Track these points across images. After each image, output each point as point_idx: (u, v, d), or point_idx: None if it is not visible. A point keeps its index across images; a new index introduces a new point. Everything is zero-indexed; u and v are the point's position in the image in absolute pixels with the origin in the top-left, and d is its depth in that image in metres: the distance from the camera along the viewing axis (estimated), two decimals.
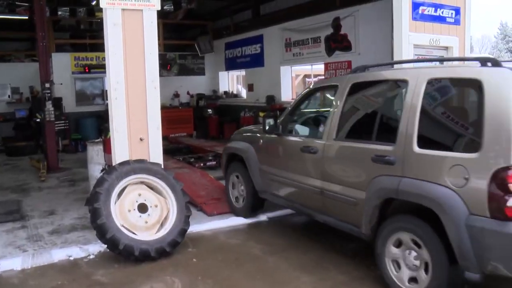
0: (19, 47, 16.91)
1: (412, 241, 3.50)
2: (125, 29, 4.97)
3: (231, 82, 16.43)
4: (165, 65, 14.92)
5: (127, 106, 5.02)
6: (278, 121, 5.20)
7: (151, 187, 4.95)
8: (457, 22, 7.35)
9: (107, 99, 7.79)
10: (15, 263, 4.57)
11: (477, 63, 3.38)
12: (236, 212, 5.95)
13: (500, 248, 2.97)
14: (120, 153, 5.01)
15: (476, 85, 3.21)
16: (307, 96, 5.19)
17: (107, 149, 5.51)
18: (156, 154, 5.20)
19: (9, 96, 14.21)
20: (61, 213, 6.38)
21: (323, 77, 11.08)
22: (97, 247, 4.88)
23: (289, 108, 5.25)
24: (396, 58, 6.59)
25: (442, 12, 7.15)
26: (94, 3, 11.67)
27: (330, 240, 4.98)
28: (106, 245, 4.61)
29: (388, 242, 3.69)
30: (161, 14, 7.87)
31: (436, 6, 7.03)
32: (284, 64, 12.62)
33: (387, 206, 3.77)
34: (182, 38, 17.56)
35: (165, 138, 7.99)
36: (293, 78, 13.25)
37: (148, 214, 4.78)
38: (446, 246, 3.23)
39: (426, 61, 5.23)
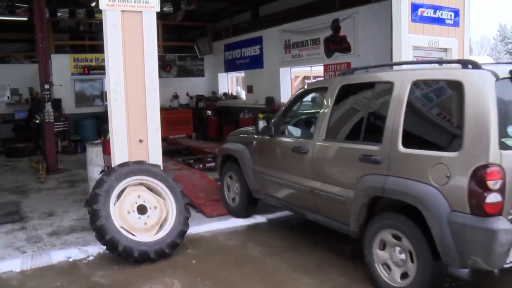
0: (19, 48, 16.93)
1: (396, 237, 3.62)
2: (125, 31, 4.98)
3: (231, 83, 16.43)
4: (164, 67, 14.92)
5: (126, 107, 5.02)
6: (271, 122, 5.32)
7: (151, 189, 4.95)
8: (456, 24, 7.37)
9: (106, 101, 7.78)
10: (14, 264, 4.57)
11: (459, 66, 3.52)
12: (231, 211, 6.07)
13: (479, 243, 3.10)
14: (120, 155, 5.01)
15: (457, 87, 3.34)
16: (299, 98, 5.32)
17: (107, 151, 5.52)
18: (155, 156, 5.20)
19: (8, 98, 14.20)
20: (60, 215, 6.38)
21: (322, 78, 11.08)
22: (96, 249, 4.88)
23: (281, 110, 5.39)
24: (395, 59, 6.61)
25: (441, 14, 7.17)
26: (93, 4, 11.67)
27: (329, 242, 4.98)
28: (105, 247, 4.61)
29: (374, 241, 3.79)
30: (160, 16, 7.86)
31: (435, 8, 7.05)
32: (284, 65, 12.63)
33: (375, 205, 3.88)
34: (182, 39, 17.59)
35: (164, 139, 8.00)
36: (292, 80, 13.25)
37: (148, 216, 4.78)
38: (430, 243, 3.34)
39: (408, 63, 5.37)
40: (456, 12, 7.34)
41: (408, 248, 3.51)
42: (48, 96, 9.61)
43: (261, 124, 5.37)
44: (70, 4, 12.94)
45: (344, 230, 4.21)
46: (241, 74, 15.39)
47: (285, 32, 12.26)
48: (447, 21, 7.26)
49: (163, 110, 8.44)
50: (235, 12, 15.15)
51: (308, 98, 5.65)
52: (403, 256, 3.59)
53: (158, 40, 5.67)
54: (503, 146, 3.08)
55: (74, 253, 4.83)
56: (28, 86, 14.01)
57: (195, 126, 14.98)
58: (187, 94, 16.01)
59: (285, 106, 5.40)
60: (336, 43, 10.61)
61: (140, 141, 5.10)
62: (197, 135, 14.76)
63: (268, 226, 5.78)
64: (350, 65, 10.03)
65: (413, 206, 3.43)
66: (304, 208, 4.77)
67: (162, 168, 5.17)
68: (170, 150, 11.43)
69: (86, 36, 16.18)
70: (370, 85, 4.30)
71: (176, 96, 15.80)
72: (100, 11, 4.99)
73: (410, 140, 3.57)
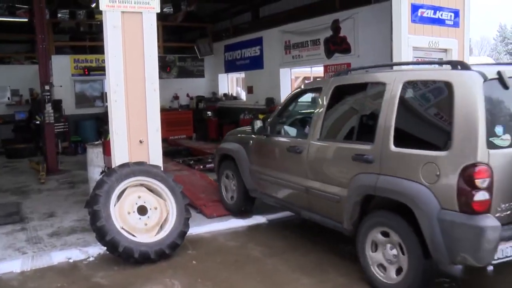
0: (19, 49, 16.94)
1: (385, 234, 3.69)
2: (125, 32, 4.98)
3: (231, 84, 16.44)
4: (164, 67, 14.92)
5: (126, 108, 5.03)
6: (266, 122, 5.39)
7: (151, 190, 4.96)
8: (456, 24, 7.37)
9: (106, 101, 7.80)
10: (14, 265, 4.57)
11: (449, 67, 3.58)
12: (228, 209, 6.15)
13: (468, 240, 3.16)
14: (120, 155, 5.01)
15: (447, 87, 3.40)
16: (294, 98, 5.38)
17: (107, 151, 5.52)
18: (155, 156, 5.20)
19: (8, 98, 14.22)
20: (60, 215, 6.38)
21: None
22: (96, 249, 4.88)
23: (277, 110, 5.44)
24: (395, 60, 6.62)
25: (441, 15, 7.18)
26: (94, 5, 11.65)
27: (329, 242, 4.99)
28: (105, 247, 4.61)
29: (367, 242, 3.86)
30: (160, 17, 7.88)
31: (435, 9, 7.06)
32: (284, 66, 12.63)
33: (368, 203, 3.94)
34: (182, 40, 17.59)
35: (164, 140, 7.99)
36: (292, 80, 13.25)
37: (148, 217, 4.79)
38: (420, 240, 3.40)
39: (400, 64, 5.45)
40: (456, 13, 7.34)
41: (398, 241, 3.59)
42: (49, 97, 9.62)
43: (257, 124, 5.45)
44: (70, 5, 12.95)
45: (338, 228, 4.28)
46: (241, 74, 15.40)
47: (285, 32, 12.27)
48: (447, 22, 7.27)
49: (163, 111, 8.43)
50: (235, 13, 15.15)
51: (308, 98, 5.68)
52: (394, 251, 3.66)
53: (158, 41, 5.68)
54: (491, 146, 3.15)
55: (75, 254, 4.83)
56: (28, 87, 14.03)
57: (195, 127, 14.98)
58: (187, 95, 16.02)
59: (281, 106, 5.46)
60: (336, 44, 10.62)
61: (141, 142, 5.11)
62: (197, 136, 14.76)
63: (268, 226, 5.79)
64: (350, 65, 10.03)
65: (404, 204, 3.50)
66: (299, 206, 4.84)
67: (162, 169, 5.17)
68: (170, 151, 11.42)
69: (87, 37, 16.17)
70: (363, 85, 4.36)
71: (176, 97, 15.81)
72: (101, 12, 4.99)
73: (401, 139, 3.64)
